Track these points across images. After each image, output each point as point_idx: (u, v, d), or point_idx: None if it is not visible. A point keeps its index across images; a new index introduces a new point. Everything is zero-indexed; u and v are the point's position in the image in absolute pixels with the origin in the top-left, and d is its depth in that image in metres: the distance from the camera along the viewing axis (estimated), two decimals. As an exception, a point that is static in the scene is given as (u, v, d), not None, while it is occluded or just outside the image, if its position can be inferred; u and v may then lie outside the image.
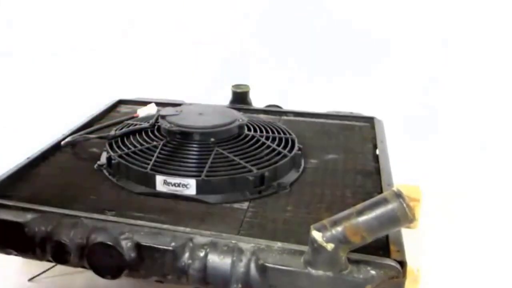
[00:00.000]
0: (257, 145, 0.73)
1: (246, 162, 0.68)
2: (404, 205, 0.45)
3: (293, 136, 0.78)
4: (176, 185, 0.64)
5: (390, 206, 0.45)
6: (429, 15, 1.35)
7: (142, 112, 0.93)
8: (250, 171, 0.66)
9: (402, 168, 0.84)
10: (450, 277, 0.88)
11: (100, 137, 0.84)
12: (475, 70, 1.34)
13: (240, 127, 0.76)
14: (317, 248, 0.47)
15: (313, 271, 0.48)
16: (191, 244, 0.52)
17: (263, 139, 0.75)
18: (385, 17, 1.37)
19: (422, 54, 1.37)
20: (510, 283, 0.87)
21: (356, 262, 0.49)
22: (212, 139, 0.71)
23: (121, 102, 1.06)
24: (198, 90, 1.30)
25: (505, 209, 1.04)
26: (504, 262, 0.89)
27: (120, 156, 0.69)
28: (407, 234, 0.58)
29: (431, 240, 0.95)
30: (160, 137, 0.74)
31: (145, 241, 0.53)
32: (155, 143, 0.72)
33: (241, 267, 0.50)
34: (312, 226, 0.47)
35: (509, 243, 0.94)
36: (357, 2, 1.40)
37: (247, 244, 0.52)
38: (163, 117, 0.76)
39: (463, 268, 0.88)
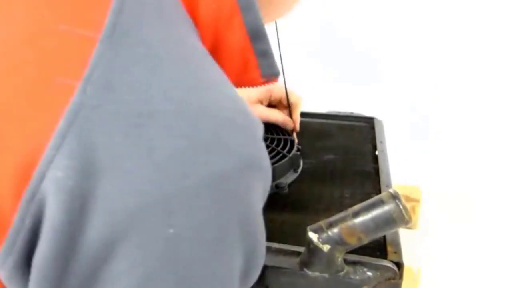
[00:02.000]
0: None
1: (245, 162, 0.68)
2: (400, 206, 0.45)
3: (292, 137, 0.78)
4: (175, 185, 0.64)
5: (386, 208, 0.45)
6: (429, 15, 1.35)
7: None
8: (249, 171, 0.66)
9: (402, 168, 0.84)
10: (450, 277, 0.88)
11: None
12: (476, 69, 1.34)
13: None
14: (313, 249, 0.47)
15: (309, 272, 0.48)
16: (188, 245, 0.52)
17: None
18: (385, 17, 1.37)
19: (422, 54, 1.37)
20: (511, 284, 0.87)
21: (353, 263, 0.49)
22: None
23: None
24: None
25: (506, 209, 1.04)
26: (504, 262, 0.89)
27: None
28: (407, 235, 0.58)
29: (431, 240, 0.95)
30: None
31: (143, 242, 0.53)
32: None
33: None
34: (308, 227, 0.48)
35: (509, 244, 0.94)
36: (358, 3, 1.40)
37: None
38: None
39: (463, 269, 0.88)
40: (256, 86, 0.45)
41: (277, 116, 0.81)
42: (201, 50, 0.36)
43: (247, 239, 0.33)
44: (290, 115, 0.81)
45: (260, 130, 0.35)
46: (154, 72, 0.31)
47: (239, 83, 0.45)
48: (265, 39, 0.42)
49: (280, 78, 0.79)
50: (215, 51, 0.41)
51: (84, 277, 0.28)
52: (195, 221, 0.29)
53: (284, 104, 0.82)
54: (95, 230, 0.27)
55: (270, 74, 0.44)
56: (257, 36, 0.41)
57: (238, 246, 0.32)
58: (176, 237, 0.29)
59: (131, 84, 0.30)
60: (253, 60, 0.42)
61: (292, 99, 0.82)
